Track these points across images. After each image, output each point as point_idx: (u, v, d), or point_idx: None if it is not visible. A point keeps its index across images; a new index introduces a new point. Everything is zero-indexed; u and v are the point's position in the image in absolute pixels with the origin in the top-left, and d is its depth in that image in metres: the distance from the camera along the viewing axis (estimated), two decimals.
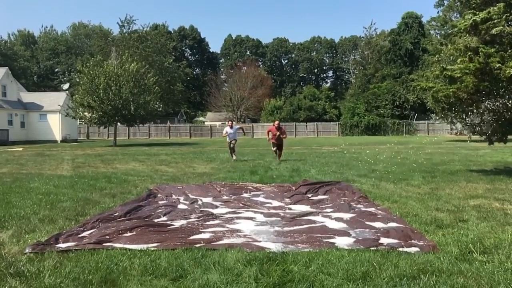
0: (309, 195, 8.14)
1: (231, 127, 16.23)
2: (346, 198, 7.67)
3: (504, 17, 9.59)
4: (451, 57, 19.25)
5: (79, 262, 4.22)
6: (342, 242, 4.87)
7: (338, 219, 6.02)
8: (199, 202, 7.49)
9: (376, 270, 3.90)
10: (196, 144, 32.80)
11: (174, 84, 62.16)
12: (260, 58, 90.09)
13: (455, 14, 49.04)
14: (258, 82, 65.12)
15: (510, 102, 9.99)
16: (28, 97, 41.98)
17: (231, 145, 15.99)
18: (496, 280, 3.65)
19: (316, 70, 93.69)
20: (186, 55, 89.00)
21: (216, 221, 6.00)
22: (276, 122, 16.17)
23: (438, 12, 56.73)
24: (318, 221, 5.94)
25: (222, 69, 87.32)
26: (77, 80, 35.56)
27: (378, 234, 5.16)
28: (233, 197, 7.99)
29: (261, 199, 7.87)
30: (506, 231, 5.22)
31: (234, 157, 15.85)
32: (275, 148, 15.61)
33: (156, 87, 34.53)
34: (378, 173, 11.09)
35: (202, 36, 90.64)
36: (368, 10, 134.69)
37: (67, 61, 79.41)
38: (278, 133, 15.26)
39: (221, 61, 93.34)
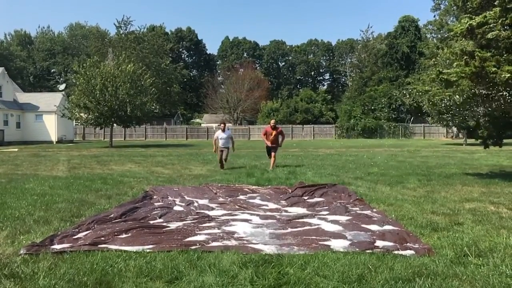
0: (305, 198, 8.14)
1: (224, 130, 13.86)
2: (342, 201, 7.67)
3: (500, 21, 9.64)
4: (447, 60, 19.37)
5: (74, 263, 4.20)
6: (338, 244, 4.87)
7: (334, 222, 6.03)
8: (195, 204, 7.48)
9: (371, 272, 3.91)
10: (192, 146, 32.74)
11: (171, 86, 62.08)
12: (257, 60, 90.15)
13: (451, 18, 49.48)
14: (255, 84, 65.17)
15: (505, 105, 10.05)
16: (24, 97, 41.73)
17: (222, 155, 13.54)
18: (491, 284, 3.66)
19: (313, 73, 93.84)
20: (183, 56, 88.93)
21: (212, 223, 5.99)
22: (272, 122, 14.57)
23: (434, 16, 57.36)
24: (314, 224, 5.94)
25: (219, 71, 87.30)
26: (74, 81, 35.39)
27: (374, 237, 5.17)
28: (229, 199, 7.99)
29: (257, 201, 7.86)
30: (501, 234, 5.24)
31: (223, 167, 13.56)
32: (272, 152, 13.95)
33: (153, 89, 34.45)
34: (374, 176, 11.11)
35: (199, 38, 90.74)
36: (365, 13, 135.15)
37: (64, 61, 79.15)
38: (274, 133, 14.02)
39: (218, 63, 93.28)
